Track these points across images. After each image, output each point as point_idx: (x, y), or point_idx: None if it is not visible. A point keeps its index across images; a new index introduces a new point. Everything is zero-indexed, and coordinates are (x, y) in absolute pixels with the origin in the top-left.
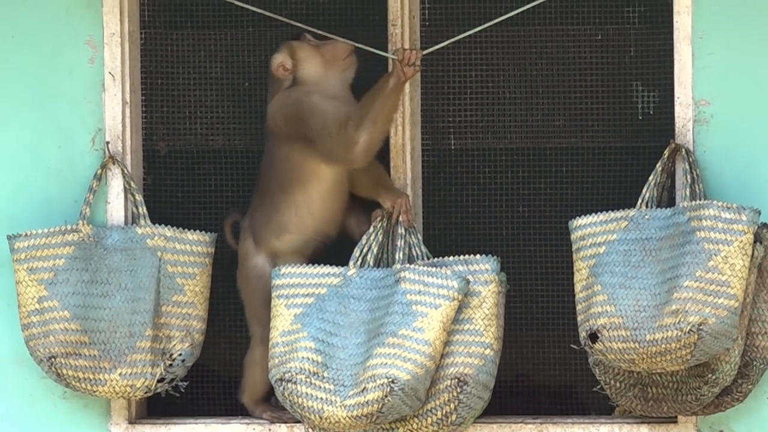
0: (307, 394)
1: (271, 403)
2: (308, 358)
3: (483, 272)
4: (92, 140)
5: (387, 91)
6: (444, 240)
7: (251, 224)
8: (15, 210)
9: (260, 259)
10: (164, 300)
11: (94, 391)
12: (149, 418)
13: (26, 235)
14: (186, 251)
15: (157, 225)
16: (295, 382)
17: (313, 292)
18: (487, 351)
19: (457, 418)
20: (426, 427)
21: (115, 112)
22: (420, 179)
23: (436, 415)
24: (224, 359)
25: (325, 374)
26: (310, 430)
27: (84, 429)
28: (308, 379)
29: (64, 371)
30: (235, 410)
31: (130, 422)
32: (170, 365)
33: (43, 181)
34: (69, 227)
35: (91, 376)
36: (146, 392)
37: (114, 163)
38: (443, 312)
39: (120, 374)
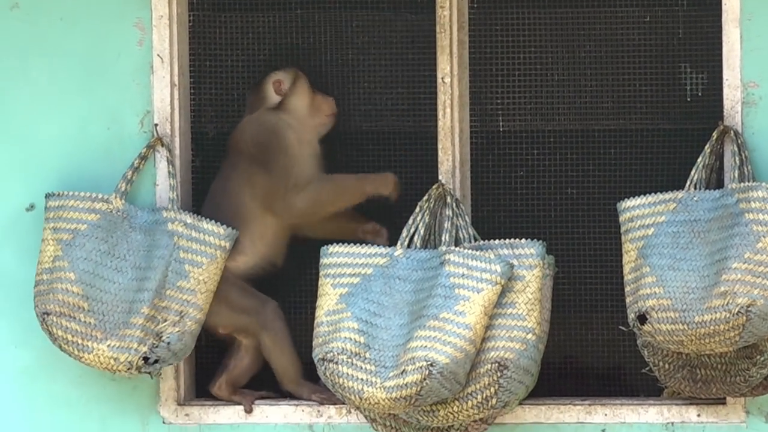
0: (348, 374)
1: (320, 384)
2: (351, 339)
3: (528, 256)
4: (141, 122)
5: (356, 184)
6: (492, 222)
7: None
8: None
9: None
10: (169, 284)
11: (80, 357)
12: (198, 400)
13: (59, 195)
14: (199, 240)
15: (180, 211)
16: (336, 363)
17: (359, 272)
18: (529, 336)
19: (498, 402)
20: (467, 410)
21: (163, 94)
22: (468, 161)
23: (476, 398)
24: None
25: (368, 355)
26: (353, 409)
27: (133, 411)
28: (350, 360)
29: (55, 330)
30: (284, 392)
31: (179, 404)
32: (155, 346)
33: (92, 164)
34: (100, 196)
35: (80, 341)
36: (128, 368)
37: (162, 145)
38: (485, 296)
39: (108, 345)
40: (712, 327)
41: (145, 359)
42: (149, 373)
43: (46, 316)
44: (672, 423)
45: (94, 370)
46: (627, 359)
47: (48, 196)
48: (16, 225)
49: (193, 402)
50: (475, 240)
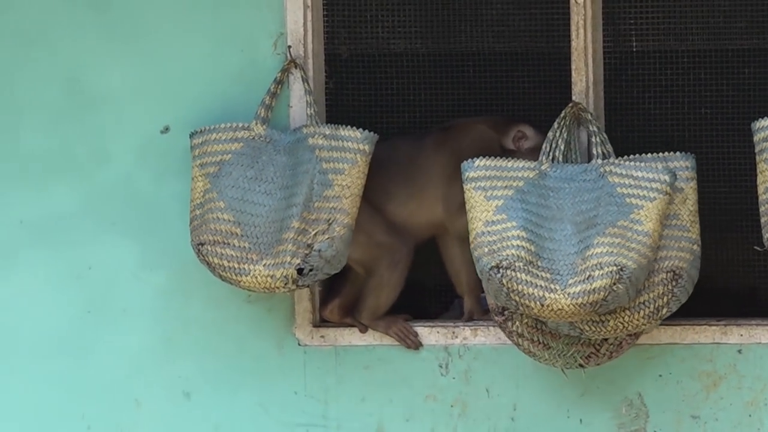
0: (527, 281)
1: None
2: (523, 246)
3: (683, 169)
4: (274, 44)
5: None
6: (626, 142)
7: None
8: (199, 115)
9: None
10: (316, 196)
11: (238, 282)
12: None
13: (201, 131)
14: (338, 147)
15: (319, 125)
16: (514, 269)
17: (511, 185)
18: (695, 246)
19: (667, 311)
20: (637, 320)
21: (296, 16)
22: (602, 82)
23: (648, 308)
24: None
25: (539, 263)
26: (490, 329)
27: (268, 333)
28: (526, 267)
29: (210, 258)
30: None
31: (315, 326)
32: (307, 255)
33: (226, 86)
34: (242, 125)
35: (237, 266)
36: (285, 283)
37: (295, 67)
38: (658, 205)
39: (264, 265)
40: None
41: (299, 270)
42: (306, 285)
43: (200, 246)
44: None
45: (229, 292)
46: (762, 279)
47: (192, 134)
48: (151, 148)
49: (329, 324)
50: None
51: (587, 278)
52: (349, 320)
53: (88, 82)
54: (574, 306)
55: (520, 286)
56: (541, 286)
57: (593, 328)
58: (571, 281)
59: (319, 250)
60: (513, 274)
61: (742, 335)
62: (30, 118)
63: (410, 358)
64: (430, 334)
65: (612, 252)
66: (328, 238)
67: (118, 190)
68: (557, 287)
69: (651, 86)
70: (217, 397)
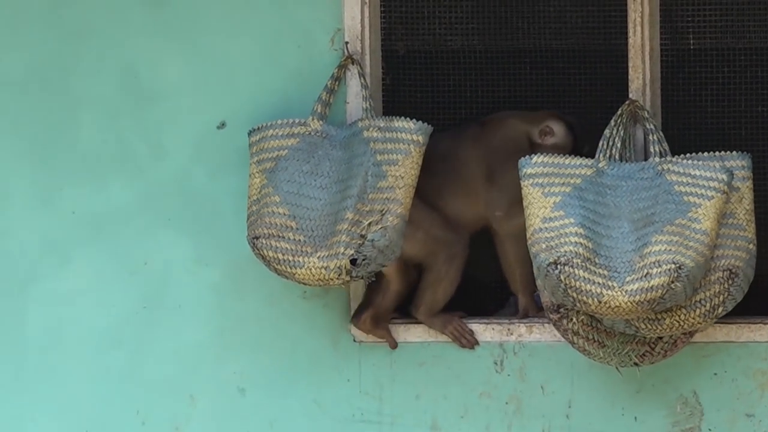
0: (585, 278)
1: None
2: (581, 243)
3: (740, 168)
4: (331, 40)
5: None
6: (682, 140)
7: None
8: (255, 110)
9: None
10: (370, 188)
11: (293, 274)
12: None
13: (258, 128)
14: (392, 139)
15: (374, 117)
16: (572, 266)
17: (569, 182)
18: (751, 246)
19: (723, 310)
20: (693, 318)
21: (354, 11)
22: (659, 79)
23: (705, 306)
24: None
25: (597, 260)
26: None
27: (324, 329)
28: (584, 264)
29: (265, 252)
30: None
31: None
32: (360, 245)
33: (282, 82)
34: (298, 121)
35: (291, 258)
36: (339, 274)
37: (352, 63)
38: (715, 203)
39: (318, 257)
40: None
41: (353, 261)
42: (361, 277)
43: (256, 240)
44: None
45: (284, 287)
46: None
47: (250, 132)
48: (207, 142)
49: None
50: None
51: (645, 276)
52: (380, 332)
53: (145, 78)
54: (631, 303)
55: (578, 283)
56: (598, 282)
57: (649, 326)
58: (628, 279)
59: (372, 240)
60: (571, 270)
61: None
62: (87, 113)
63: (465, 354)
64: (485, 330)
65: (670, 250)
66: (381, 227)
67: (173, 185)
68: (615, 284)
69: (708, 84)
70: (271, 393)
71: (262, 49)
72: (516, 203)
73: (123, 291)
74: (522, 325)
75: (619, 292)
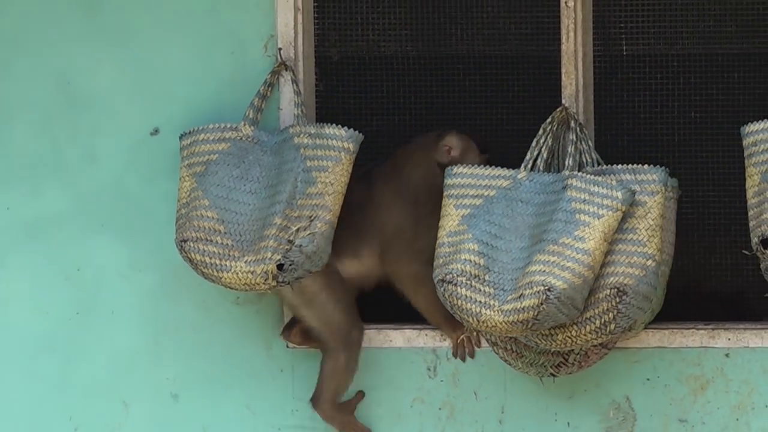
0: (466, 296)
1: (354, 414)
2: (471, 261)
3: (650, 182)
4: (264, 46)
5: (439, 317)
6: (615, 147)
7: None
8: (189, 116)
9: (338, 267)
10: (299, 194)
11: (219, 278)
12: None
13: (190, 132)
14: (323, 145)
15: (305, 124)
16: (455, 284)
17: (482, 194)
18: (649, 262)
19: (616, 327)
20: (585, 335)
21: (287, 18)
22: (591, 85)
23: (594, 323)
24: None
25: (487, 277)
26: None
27: (257, 335)
28: (469, 282)
29: (193, 255)
30: (400, 318)
31: None
32: (288, 250)
33: (216, 88)
34: (229, 126)
35: (218, 262)
36: (265, 279)
37: (286, 69)
38: (606, 222)
39: (245, 261)
40: None
41: (280, 266)
42: (288, 282)
43: (183, 243)
44: None
45: (218, 293)
46: (750, 283)
47: (181, 136)
48: (141, 150)
49: None
50: (598, 164)
51: (520, 297)
52: (311, 343)
53: (79, 84)
54: (506, 323)
55: (459, 301)
56: (480, 302)
57: (544, 341)
58: (508, 298)
59: (300, 246)
60: (454, 288)
61: (729, 339)
62: (20, 118)
63: (398, 360)
64: (418, 336)
65: (544, 271)
66: (309, 233)
67: (107, 191)
68: (496, 303)
69: (641, 90)
70: (205, 399)
71: (195, 55)
72: (428, 252)
73: (56, 296)
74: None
75: (496, 312)
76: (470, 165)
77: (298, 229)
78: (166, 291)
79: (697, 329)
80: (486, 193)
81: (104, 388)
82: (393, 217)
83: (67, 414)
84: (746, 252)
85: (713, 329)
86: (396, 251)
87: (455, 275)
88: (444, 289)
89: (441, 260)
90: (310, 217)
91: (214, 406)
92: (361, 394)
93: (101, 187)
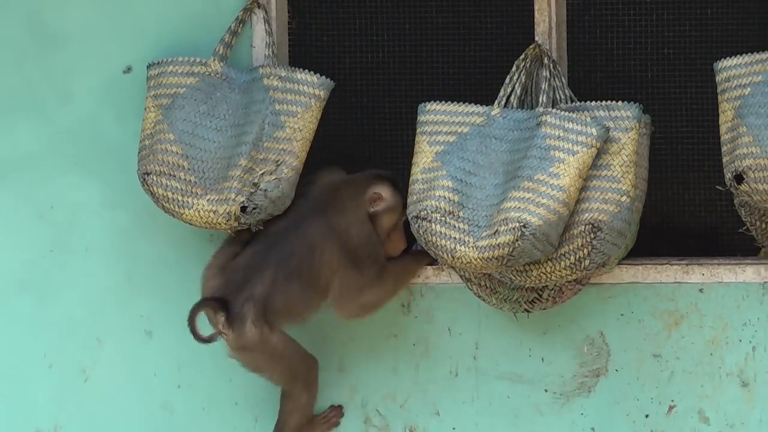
0: (440, 233)
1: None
2: (445, 197)
3: (624, 119)
4: None
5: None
6: (588, 83)
7: (260, 300)
8: (162, 54)
9: (276, 336)
10: (266, 136)
11: (181, 214)
12: None
13: (158, 63)
14: (293, 90)
15: (276, 66)
16: (430, 221)
17: (455, 131)
18: (623, 198)
19: (590, 263)
20: (559, 270)
21: None
22: (564, 22)
23: (569, 259)
24: None
25: (461, 214)
26: (449, 270)
27: None
28: (443, 218)
29: (155, 189)
30: None
31: None
32: (252, 193)
33: (189, 25)
34: (199, 60)
35: (180, 198)
36: (227, 220)
37: (258, 7)
38: (580, 159)
39: (208, 200)
40: None
41: (243, 208)
42: (249, 224)
43: (146, 176)
44: None
45: (192, 231)
46: (724, 219)
47: (149, 66)
48: (113, 88)
49: None
50: (572, 101)
51: (495, 233)
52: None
53: (51, 21)
54: (481, 260)
55: (434, 238)
56: (454, 238)
57: (519, 277)
58: (483, 234)
59: (266, 190)
60: (428, 225)
61: (703, 274)
62: None
63: None
64: None
65: (519, 207)
66: (275, 178)
67: (80, 129)
68: (470, 239)
69: (614, 26)
70: (179, 336)
71: None
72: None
73: (30, 234)
74: (429, 267)
75: (471, 248)
76: (443, 102)
77: (263, 173)
78: (140, 228)
79: (671, 265)
80: (459, 130)
81: (78, 325)
82: (336, 273)
83: (42, 351)
84: (720, 188)
85: (687, 264)
86: (342, 304)
87: (429, 212)
88: (418, 226)
89: (415, 197)
90: (277, 161)
91: (189, 343)
92: (338, 410)
93: (75, 125)
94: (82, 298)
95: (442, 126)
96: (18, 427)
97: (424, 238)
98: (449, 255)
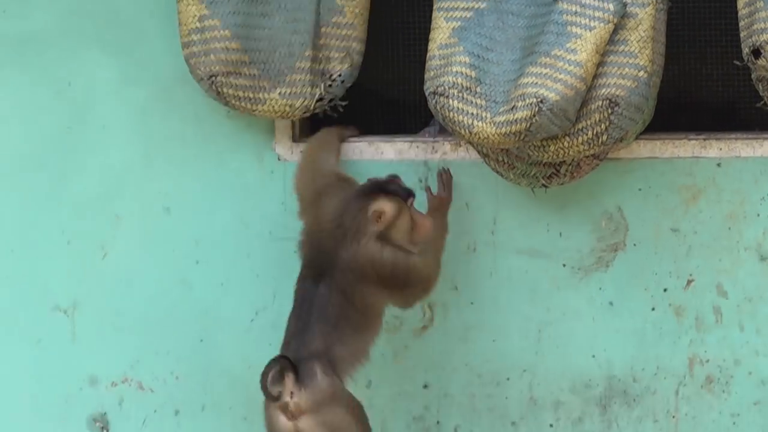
0: (458, 108)
1: None
2: (462, 73)
3: None
4: None
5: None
6: None
7: (321, 355)
8: None
9: (345, 386)
10: (324, 21)
11: (254, 110)
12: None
13: None
14: None
15: None
16: (447, 96)
17: (472, 6)
18: (641, 73)
19: (608, 138)
20: (577, 146)
21: None
22: None
23: (587, 134)
24: (382, 78)
25: (478, 89)
26: (467, 145)
27: (248, 147)
28: (460, 94)
29: (224, 90)
30: (395, 129)
31: (294, 141)
32: (329, 85)
33: None
34: None
35: (251, 95)
36: (305, 112)
37: None
38: (597, 34)
39: (279, 93)
40: None
41: (320, 100)
42: (326, 110)
43: (213, 78)
44: None
45: (209, 107)
46: (742, 93)
47: None
48: None
49: (308, 139)
50: None
51: (512, 108)
52: None
53: None
54: (499, 135)
55: (451, 113)
56: (472, 113)
57: (537, 152)
58: (500, 110)
59: (343, 80)
60: (446, 101)
61: (721, 149)
62: None
63: (390, 171)
64: (409, 149)
65: (536, 83)
66: (348, 66)
67: (98, 6)
68: (488, 115)
69: None
70: (197, 212)
71: None
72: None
73: (47, 112)
74: (446, 143)
75: (489, 124)
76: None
77: (335, 63)
78: (157, 105)
79: (689, 139)
80: (476, 6)
81: (96, 201)
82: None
83: (60, 228)
84: (737, 62)
85: (705, 139)
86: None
87: (447, 87)
88: (436, 102)
89: (432, 72)
90: (346, 48)
91: (206, 219)
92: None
93: (92, 1)
94: (100, 175)
95: (458, 2)
96: (36, 304)
97: (442, 114)
98: (466, 130)
